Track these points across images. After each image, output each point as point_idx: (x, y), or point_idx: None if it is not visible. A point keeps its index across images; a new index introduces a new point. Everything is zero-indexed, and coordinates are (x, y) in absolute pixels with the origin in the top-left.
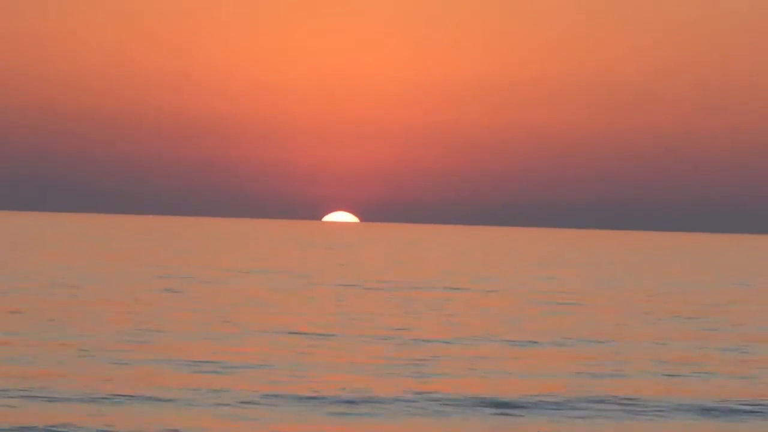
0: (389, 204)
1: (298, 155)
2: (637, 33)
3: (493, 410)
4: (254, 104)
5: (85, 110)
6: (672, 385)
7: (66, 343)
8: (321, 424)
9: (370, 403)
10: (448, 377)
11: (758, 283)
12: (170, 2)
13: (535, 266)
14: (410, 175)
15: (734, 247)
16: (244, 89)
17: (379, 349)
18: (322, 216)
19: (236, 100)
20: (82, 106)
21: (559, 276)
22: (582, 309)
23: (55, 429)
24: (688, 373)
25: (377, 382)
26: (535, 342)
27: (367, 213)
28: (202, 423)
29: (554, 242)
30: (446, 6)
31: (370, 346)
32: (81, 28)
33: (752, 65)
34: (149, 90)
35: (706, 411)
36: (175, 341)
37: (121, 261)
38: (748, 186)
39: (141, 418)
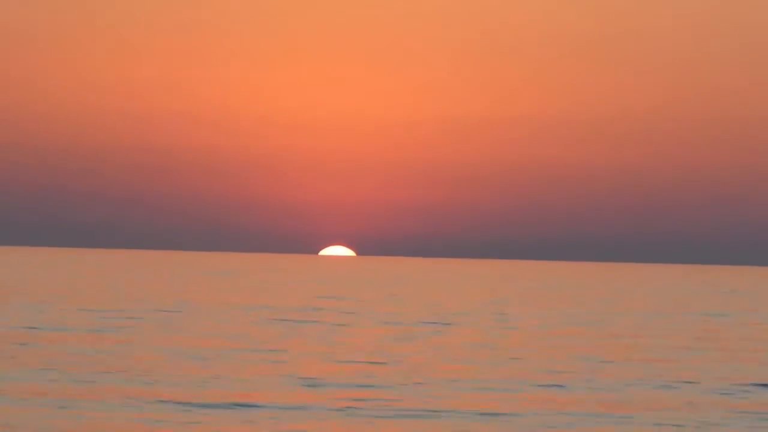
0: (385, 238)
1: (293, 189)
2: (630, 68)
3: None
4: (248, 139)
5: (81, 147)
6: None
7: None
8: None
9: None
10: None
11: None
12: (167, 40)
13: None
14: (406, 210)
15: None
16: (238, 124)
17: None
18: (318, 250)
19: (230, 135)
20: (78, 143)
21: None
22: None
23: None
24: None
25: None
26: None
27: (363, 247)
28: None
29: (563, 275)
30: (442, 43)
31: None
32: (80, 66)
33: (743, 99)
34: (143, 125)
35: None
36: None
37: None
38: (734, 218)
39: None
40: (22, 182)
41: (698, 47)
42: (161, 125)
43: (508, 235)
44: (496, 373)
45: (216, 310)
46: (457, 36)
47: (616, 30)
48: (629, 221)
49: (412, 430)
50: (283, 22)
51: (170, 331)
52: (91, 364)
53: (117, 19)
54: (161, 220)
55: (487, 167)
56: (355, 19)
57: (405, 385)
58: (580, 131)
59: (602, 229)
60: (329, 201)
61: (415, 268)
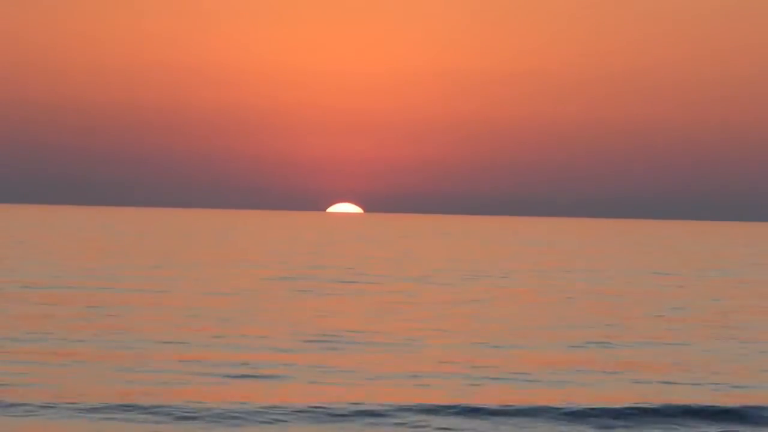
0: (391, 195)
1: (302, 147)
2: (641, 25)
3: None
4: (259, 97)
5: (90, 105)
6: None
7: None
8: None
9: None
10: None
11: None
12: None
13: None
14: (412, 167)
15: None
16: (249, 82)
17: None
18: (327, 207)
19: (240, 93)
20: (88, 101)
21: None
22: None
23: None
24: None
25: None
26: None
27: (371, 204)
28: None
29: (567, 232)
30: (451, 1)
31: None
32: (89, 25)
33: (756, 57)
34: (154, 84)
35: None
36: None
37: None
38: (746, 176)
39: None
40: (27, 140)
41: (709, 6)
42: (166, 82)
43: (515, 191)
44: (497, 333)
45: (228, 269)
46: None
47: None
48: (636, 178)
49: (424, 390)
50: None
51: (175, 290)
52: (87, 322)
53: None
54: (168, 178)
55: (495, 123)
56: None
57: (413, 342)
58: (588, 88)
59: (608, 186)
60: (337, 159)
61: (423, 225)
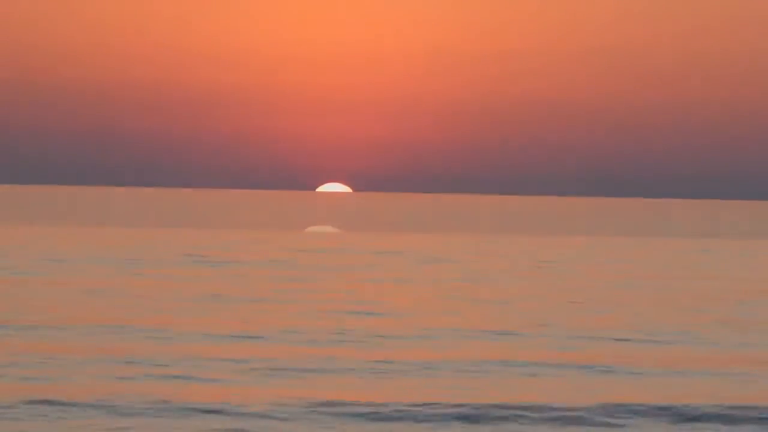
0: (380, 174)
1: (291, 127)
2: (624, 2)
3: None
4: (248, 77)
5: (80, 85)
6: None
7: None
8: None
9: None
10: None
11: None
12: None
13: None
14: (400, 147)
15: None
16: (238, 63)
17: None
18: (316, 186)
19: (230, 73)
20: (81, 81)
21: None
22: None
23: None
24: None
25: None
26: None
27: (360, 183)
28: None
29: (555, 212)
30: None
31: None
32: (88, 5)
33: (739, 34)
34: (145, 64)
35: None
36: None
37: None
38: (726, 153)
39: None
40: (24, 120)
41: None
42: (155, 62)
43: (501, 171)
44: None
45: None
46: None
47: None
48: (621, 156)
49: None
50: None
51: (165, 277)
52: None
53: None
54: (157, 158)
55: (485, 103)
56: None
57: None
58: (573, 65)
59: (595, 164)
60: (326, 138)
61: (413, 204)
